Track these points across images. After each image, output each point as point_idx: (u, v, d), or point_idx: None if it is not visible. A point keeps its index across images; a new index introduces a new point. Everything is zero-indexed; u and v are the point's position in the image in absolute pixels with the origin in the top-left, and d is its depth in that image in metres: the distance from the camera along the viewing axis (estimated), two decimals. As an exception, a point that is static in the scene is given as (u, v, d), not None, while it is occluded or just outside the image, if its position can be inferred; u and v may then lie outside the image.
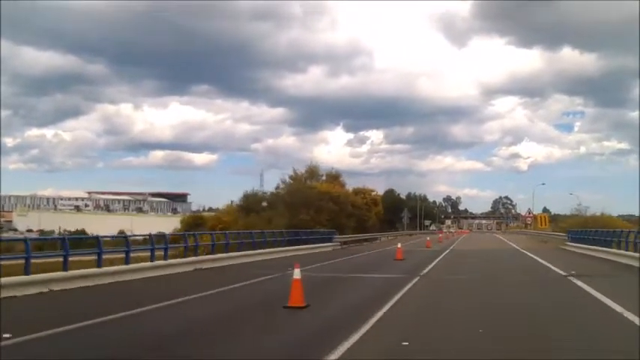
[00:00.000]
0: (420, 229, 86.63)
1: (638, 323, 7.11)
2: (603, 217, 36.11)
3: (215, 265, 16.79)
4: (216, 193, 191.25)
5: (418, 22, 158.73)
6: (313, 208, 35.40)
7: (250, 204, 38.61)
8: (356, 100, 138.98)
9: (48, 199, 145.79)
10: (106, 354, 5.85)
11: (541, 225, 44.61)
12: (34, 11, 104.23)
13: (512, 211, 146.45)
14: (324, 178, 41.34)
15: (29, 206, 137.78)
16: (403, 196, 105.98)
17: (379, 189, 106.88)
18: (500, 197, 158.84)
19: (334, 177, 41.76)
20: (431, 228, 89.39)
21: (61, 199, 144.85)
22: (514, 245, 32.86)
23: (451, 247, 30.86)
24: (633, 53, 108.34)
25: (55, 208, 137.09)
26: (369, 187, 52.64)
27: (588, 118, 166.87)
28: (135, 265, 13.77)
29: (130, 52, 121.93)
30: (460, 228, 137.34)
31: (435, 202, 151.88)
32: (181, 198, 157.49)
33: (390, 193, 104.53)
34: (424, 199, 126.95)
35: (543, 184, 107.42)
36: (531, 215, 60.83)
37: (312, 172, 40.63)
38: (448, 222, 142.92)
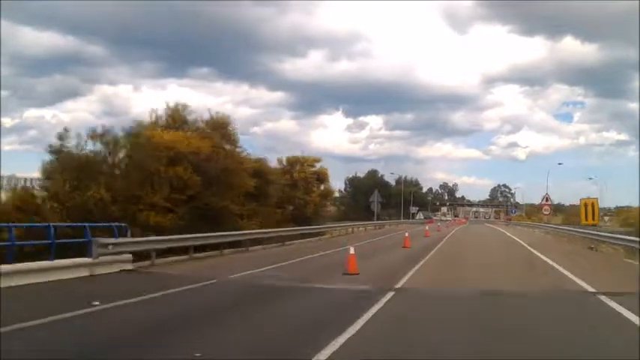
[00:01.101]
0: (408, 218, 67.35)
1: None
2: None
3: None
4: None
5: (420, 7, 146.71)
6: (129, 177, 15.90)
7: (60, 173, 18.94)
8: (355, 85, 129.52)
9: (26, 179, 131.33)
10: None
11: (587, 219, 24.89)
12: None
13: (511, 199, 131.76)
14: (201, 125, 21.65)
15: (6, 187, 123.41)
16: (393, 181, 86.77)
17: (391, 182, 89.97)
18: (499, 185, 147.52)
19: (217, 124, 21.69)
20: (418, 217, 69.75)
21: (39, 180, 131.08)
22: (564, 271, 12.85)
23: (403, 282, 10.93)
24: (634, 44, 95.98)
25: (33, 189, 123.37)
26: (310, 156, 32.82)
27: (588, 108, 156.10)
28: None
29: (129, 34, 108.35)
30: (456, 216, 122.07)
31: (431, 188, 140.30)
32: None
33: (372, 175, 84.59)
34: (416, 183, 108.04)
35: (560, 163, 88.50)
36: (549, 203, 40.99)
37: (175, 116, 20.92)
38: (444, 209, 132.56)
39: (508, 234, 35.79)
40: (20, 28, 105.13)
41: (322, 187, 33.20)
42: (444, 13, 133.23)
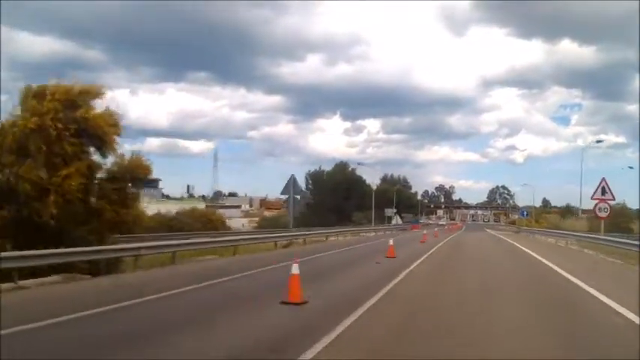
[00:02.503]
0: (385, 223, 47.68)
1: None
2: None
3: None
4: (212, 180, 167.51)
5: (417, 10, 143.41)
6: None
7: None
8: (353, 88, 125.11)
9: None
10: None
11: None
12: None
13: (511, 201, 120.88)
14: None
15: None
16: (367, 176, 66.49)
17: (375, 180, 66.63)
18: (497, 187, 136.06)
19: None
20: (394, 221, 49.76)
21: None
22: None
23: None
24: (632, 46, 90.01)
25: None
26: (71, 84, 13.07)
27: (586, 110, 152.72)
28: None
29: (126, 39, 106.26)
30: (452, 220, 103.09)
31: (427, 191, 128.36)
32: (152, 184, 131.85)
33: (340, 168, 64.23)
34: (404, 182, 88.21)
35: (599, 141, 66.68)
36: (609, 198, 20.87)
37: None
38: (440, 212, 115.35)
39: (528, 251, 15.72)
40: (17, 32, 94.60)
41: (107, 155, 13.28)
42: (442, 14, 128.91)
